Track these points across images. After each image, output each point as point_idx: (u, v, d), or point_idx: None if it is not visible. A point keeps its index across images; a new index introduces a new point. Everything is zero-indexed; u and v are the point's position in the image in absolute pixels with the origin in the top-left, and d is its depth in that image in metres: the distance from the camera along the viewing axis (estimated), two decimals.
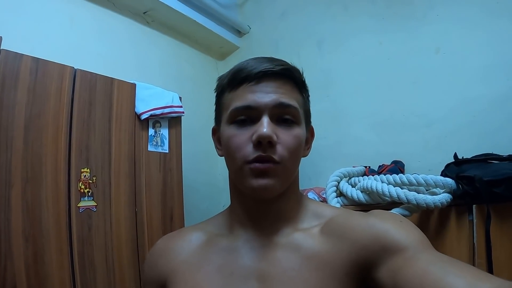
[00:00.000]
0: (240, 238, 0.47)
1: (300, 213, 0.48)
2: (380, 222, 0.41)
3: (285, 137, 0.42)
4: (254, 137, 0.41)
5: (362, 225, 0.41)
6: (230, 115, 0.44)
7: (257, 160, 0.41)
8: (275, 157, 0.41)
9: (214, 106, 0.51)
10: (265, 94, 0.42)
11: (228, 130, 0.44)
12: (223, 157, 0.49)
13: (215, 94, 0.50)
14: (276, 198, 0.45)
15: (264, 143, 0.40)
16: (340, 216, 0.45)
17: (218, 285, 0.43)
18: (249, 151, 0.42)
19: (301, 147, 0.45)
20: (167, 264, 0.49)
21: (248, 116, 0.43)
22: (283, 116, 0.43)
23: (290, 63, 0.46)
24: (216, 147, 0.51)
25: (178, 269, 0.47)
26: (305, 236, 0.44)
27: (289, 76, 0.45)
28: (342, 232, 0.42)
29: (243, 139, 0.42)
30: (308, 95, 0.49)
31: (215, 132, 0.51)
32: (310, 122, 0.50)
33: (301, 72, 0.47)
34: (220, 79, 0.49)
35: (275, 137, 0.41)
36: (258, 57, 0.46)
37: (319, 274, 0.40)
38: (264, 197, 0.43)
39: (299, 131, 0.44)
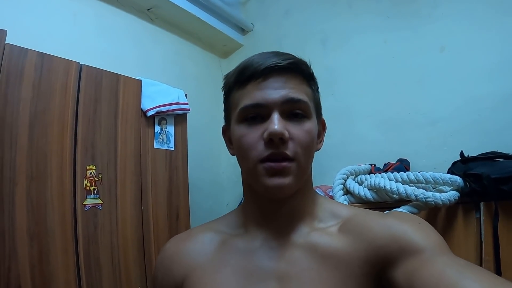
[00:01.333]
0: (257, 238, 0.46)
1: (317, 211, 0.47)
2: (399, 223, 0.41)
3: (297, 132, 0.42)
4: (265, 135, 0.40)
5: (381, 225, 0.41)
6: (239, 114, 0.43)
7: (270, 158, 0.41)
8: (289, 153, 0.41)
9: (223, 105, 0.49)
10: (273, 91, 0.41)
11: (239, 130, 0.44)
12: (226, 155, 0.48)
13: (223, 93, 0.49)
14: (291, 196, 0.44)
15: (276, 140, 0.40)
16: (358, 216, 0.45)
17: (238, 287, 0.42)
18: (261, 149, 0.41)
19: (313, 141, 0.44)
20: (182, 269, 0.47)
21: (257, 113, 0.42)
22: (293, 111, 0.42)
23: (296, 56, 0.45)
24: (228, 147, 0.50)
25: (195, 273, 0.46)
26: (323, 235, 0.44)
27: (297, 69, 0.44)
28: (360, 232, 0.42)
29: (254, 137, 0.42)
30: (318, 87, 0.48)
31: (226, 131, 0.50)
32: (321, 114, 0.49)
33: (308, 64, 0.46)
34: (226, 77, 0.48)
35: (286, 133, 0.40)
36: (264, 52, 0.45)
37: (337, 273, 0.40)
38: (279, 196, 0.43)
39: (311, 125, 0.44)
